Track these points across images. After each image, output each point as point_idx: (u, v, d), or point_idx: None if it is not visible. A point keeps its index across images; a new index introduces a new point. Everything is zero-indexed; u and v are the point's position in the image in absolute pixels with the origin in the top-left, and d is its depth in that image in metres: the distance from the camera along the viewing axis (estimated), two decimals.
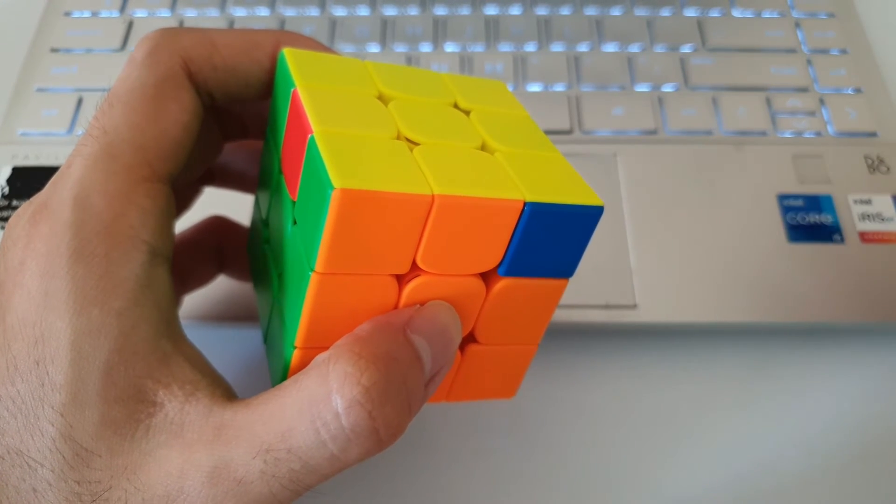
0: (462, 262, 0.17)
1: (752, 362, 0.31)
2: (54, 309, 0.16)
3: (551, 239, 0.17)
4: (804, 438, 0.29)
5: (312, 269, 0.16)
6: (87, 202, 0.17)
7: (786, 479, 0.29)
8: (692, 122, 0.36)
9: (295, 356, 0.18)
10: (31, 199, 0.18)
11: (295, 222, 0.18)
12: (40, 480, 0.16)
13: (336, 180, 0.15)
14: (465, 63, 0.38)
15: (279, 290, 0.20)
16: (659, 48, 0.38)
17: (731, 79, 0.37)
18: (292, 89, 0.18)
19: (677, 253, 0.32)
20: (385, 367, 0.16)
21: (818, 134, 0.35)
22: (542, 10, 0.40)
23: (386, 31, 0.39)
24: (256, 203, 0.24)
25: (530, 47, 0.39)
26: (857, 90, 0.37)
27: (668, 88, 0.37)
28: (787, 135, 0.35)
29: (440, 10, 0.40)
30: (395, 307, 0.18)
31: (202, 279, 0.27)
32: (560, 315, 0.30)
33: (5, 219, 0.32)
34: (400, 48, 0.38)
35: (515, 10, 0.40)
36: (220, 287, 0.28)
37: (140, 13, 0.40)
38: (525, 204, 0.16)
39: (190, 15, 0.40)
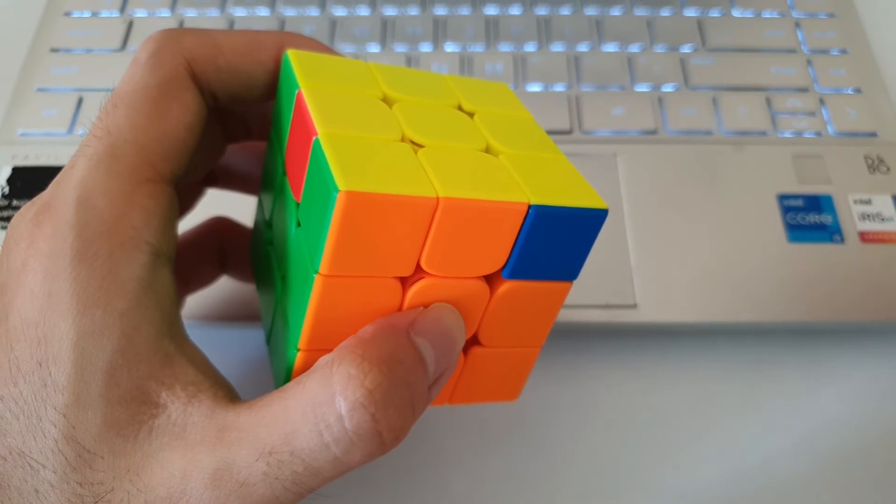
0: (466, 264, 0.17)
1: (752, 362, 0.31)
2: (57, 309, 0.16)
3: (555, 242, 0.17)
4: (804, 438, 0.30)
5: (316, 272, 0.16)
6: (90, 203, 0.17)
7: (786, 479, 0.29)
8: (692, 122, 0.36)
9: (298, 358, 0.18)
10: (34, 199, 0.18)
11: (299, 224, 0.18)
12: (42, 482, 0.16)
13: (341, 182, 0.15)
14: (465, 63, 0.38)
15: (282, 292, 0.20)
16: (659, 48, 0.38)
17: (731, 79, 0.37)
18: (297, 91, 0.18)
19: (677, 253, 0.32)
20: (389, 369, 0.16)
21: (818, 134, 0.35)
22: (542, 10, 0.40)
23: (386, 31, 0.39)
24: (260, 204, 0.24)
25: (530, 47, 0.39)
26: (857, 90, 0.37)
27: (668, 88, 0.37)
28: (787, 135, 0.35)
29: (440, 10, 0.40)
30: (399, 310, 0.18)
31: (205, 280, 0.27)
32: (560, 315, 0.30)
33: (6, 219, 0.32)
34: (400, 48, 0.38)
35: (515, 10, 0.40)
36: (223, 288, 0.28)
37: (140, 13, 0.40)
38: (530, 206, 0.16)
39: (190, 15, 0.40)
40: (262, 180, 0.24)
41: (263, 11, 0.40)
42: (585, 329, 0.31)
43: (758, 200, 0.33)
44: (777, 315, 0.30)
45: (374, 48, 0.39)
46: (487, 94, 0.22)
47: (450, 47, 0.38)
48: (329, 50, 0.22)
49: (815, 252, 0.32)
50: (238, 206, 0.27)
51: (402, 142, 0.17)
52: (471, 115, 0.20)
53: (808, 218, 0.32)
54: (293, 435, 0.16)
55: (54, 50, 0.38)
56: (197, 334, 0.20)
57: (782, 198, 0.33)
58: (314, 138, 0.16)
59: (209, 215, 0.27)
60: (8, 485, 0.16)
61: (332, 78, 0.19)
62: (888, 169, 0.34)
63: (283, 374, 0.19)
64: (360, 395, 0.15)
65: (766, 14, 0.40)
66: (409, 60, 0.38)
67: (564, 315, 0.30)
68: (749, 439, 0.29)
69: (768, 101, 0.36)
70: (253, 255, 0.25)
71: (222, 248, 0.27)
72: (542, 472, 0.29)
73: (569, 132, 0.35)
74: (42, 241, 0.17)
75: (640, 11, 0.40)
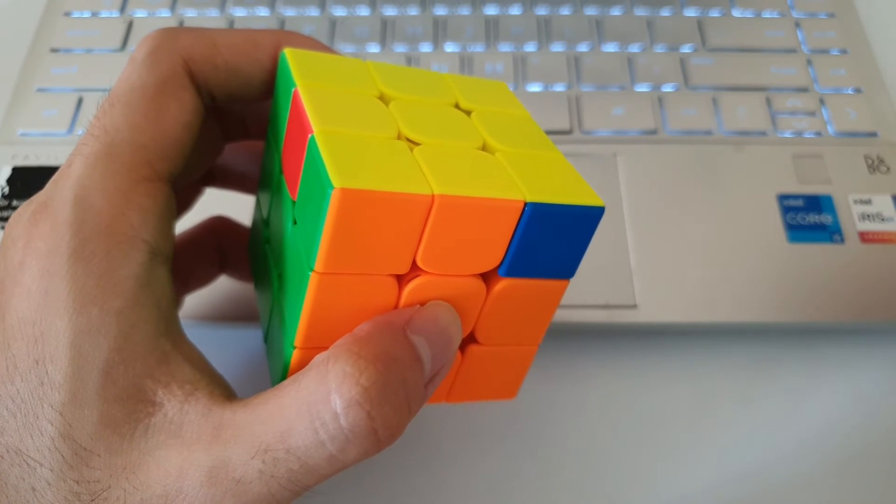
0: (462, 262, 0.17)
1: (752, 362, 0.31)
2: (54, 308, 0.16)
3: (552, 239, 0.17)
4: (804, 438, 0.29)
5: (312, 269, 0.16)
6: (88, 201, 0.17)
7: (786, 479, 0.29)
8: (692, 122, 0.36)
9: (294, 356, 0.18)
10: (32, 198, 0.18)
11: (295, 222, 0.18)
12: (39, 479, 0.16)
13: (336, 180, 0.15)
14: (465, 63, 0.38)
15: (279, 290, 0.20)
16: (659, 48, 0.38)
17: (731, 79, 0.37)
18: (293, 89, 0.18)
19: (677, 253, 0.32)
20: (384, 367, 0.16)
21: (818, 134, 0.35)
22: (542, 10, 0.40)
23: (386, 31, 0.39)
24: (258, 203, 0.24)
25: (530, 47, 0.39)
26: (857, 90, 0.37)
27: (668, 88, 0.37)
28: (787, 135, 0.35)
29: (440, 10, 0.40)
30: (396, 307, 0.18)
31: (204, 279, 0.27)
32: (560, 315, 0.30)
33: (5, 219, 0.32)
34: (400, 48, 0.38)
35: (515, 10, 0.40)
36: (221, 287, 0.28)
37: (140, 13, 0.40)
38: (525, 204, 0.16)
39: (190, 15, 0.40)
40: (259, 179, 0.24)
41: (263, 11, 0.40)
42: (585, 329, 0.31)
43: (758, 200, 0.33)
44: (777, 315, 0.30)
45: (374, 48, 0.39)
46: (485, 93, 0.22)
47: (450, 47, 0.38)
48: (327, 49, 0.22)
49: (815, 252, 0.32)
50: (236, 206, 0.27)
51: (399, 140, 0.17)
52: (468, 113, 0.20)
53: (808, 218, 0.32)
54: (289, 432, 0.15)
55: (54, 50, 0.38)
56: (196, 334, 0.20)
57: (782, 198, 0.33)
58: (310, 136, 0.16)
59: (207, 215, 0.27)
60: (5, 483, 0.16)
61: (329, 76, 0.19)
62: (888, 169, 0.34)
63: (279, 372, 0.19)
64: (356, 393, 0.15)
65: (766, 14, 0.40)
66: (409, 60, 0.38)
67: (564, 315, 0.30)
68: (749, 439, 0.29)
69: (768, 101, 0.36)
70: (251, 254, 0.25)
71: (221, 248, 0.27)
72: (541, 471, 0.29)
73: (569, 132, 0.35)
74: (39, 239, 0.17)
75: (640, 11, 0.40)
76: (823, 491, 0.28)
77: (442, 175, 0.16)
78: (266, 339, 0.22)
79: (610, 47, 0.38)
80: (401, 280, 0.17)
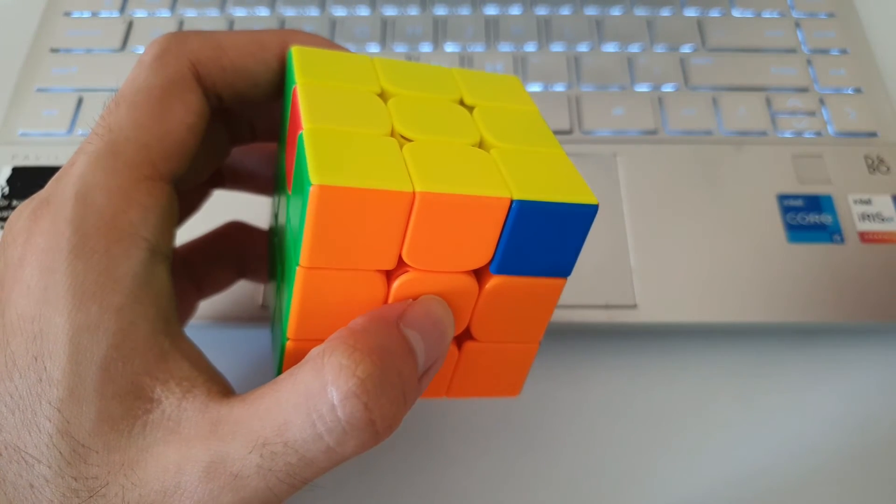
0: (450, 259, 0.17)
1: (752, 362, 0.31)
2: (53, 304, 0.16)
3: (543, 237, 0.17)
4: (804, 438, 0.29)
5: (297, 264, 0.16)
6: (89, 199, 0.17)
7: (785, 479, 0.28)
8: (692, 122, 0.36)
9: (288, 347, 0.18)
10: (34, 195, 0.18)
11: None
12: (37, 476, 0.16)
13: (314, 176, 0.15)
14: (465, 63, 0.38)
15: (282, 284, 0.20)
16: (659, 48, 0.38)
17: (731, 79, 0.37)
18: (293, 87, 0.18)
19: (677, 253, 0.32)
20: (380, 359, 0.16)
21: (818, 134, 0.35)
22: (542, 10, 0.40)
23: (386, 31, 0.39)
24: (273, 202, 0.24)
25: (530, 47, 0.39)
26: (857, 90, 0.37)
27: (668, 88, 0.37)
28: (787, 135, 0.35)
29: (440, 10, 0.40)
30: (385, 302, 0.18)
31: (220, 285, 0.27)
32: (560, 315, 0.30)
33: (6, 219, 0.32)
34: (400, 48, 0.38)
35: (515, 10, 0.40)
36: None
37: (140, 13, 0.40)
38: (512, 201, 0.16)
39: (190, 15, 0.40)
40: (274, 180, 0.24)
41: (263, 11, 0.40)
42: (585, 329, 0.31)
43: (758, 200, 0.33)
44: (777, 315, 0.30)
45: (373, 48, 0.39)
46: (494, 88, 0.22)
47: (450, 47, 0.39)
48: (334, 45, 0.22)
49: (815, 252, 0.32)
50: (253, 209, 0.27)
51: (391, 137, 0.18)
52: (471, 109, 0.20)
53: (808, 218, 0.32)
54: (286, 426, 0.16)
55: (54, 50, 0.38)
56: (199, 334, 0.20)
57: (782, 198, 0.33)
58: (299, 133, 0.17)
59: (221, 218, 0.27)
60: (3, 479, 0.16)
61: (331, 73, 0.19)
62: (888, 169, 0.34)
63: (277, 363, 0.19)
64: (352, 385, 0.15)
65: (766, 14, 0.40)
66: (410, 60, 0.38)
67: (564, 315, 0.30)
68: (749, 439, 0.29)
69: (768, 101, 0.36)
70: (269, 252, 0.25)
71: (240, 253, 0.27)
72: (540, 471, 0.29)
73: (569, 132, 0.35)
74: (39, 236, 0.17)
75: (640, 11, 0.40)
76: (824, 491, 0.28)
77: (426, 172, 0.16)
78: (272, 332, 0.22)
79: (610, 47, 0.38)
80: (389, 275, 0.17)
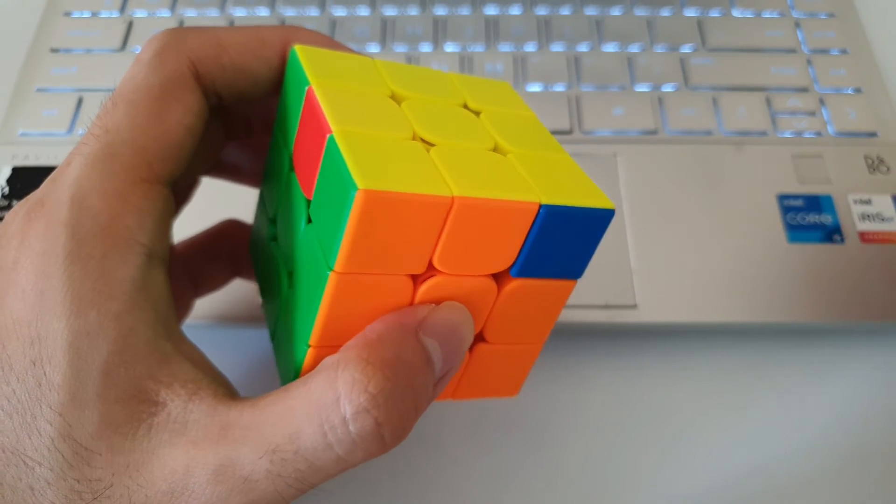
0: (477, 262, 0.17)
1: (752, 362, 0.31)
2: (50, 309, 0.16)
3: (563, 241, 0.18)
4: (803, 438, 0.29)
5: (331, 269, 0.16)
6: (85, 202, 0.17)
7: (785, 479, 0.29)
8: (692, 122, 0.36)
9: (309, 355, 0.18)
10: (28, 196, 0.18)
11: (310, 221, 0.18)
12: (38, 479, 0.16)
13: (360, 181, 0.15)
14: (465, 63, 0.38)
15: (290, 289, 0.20)
16: (659, 48, 0.38)
17: (731, 79, 0.37)
18: (307, 87, 0.18)
19: (677, 253, 0.32)
20: (393, 372, 0.16)
21: (818, 134, 0.35)
22: (542, 10, 0.40)
23: (386, 31, 0.39)
24: (261, 201, 0.24)
25: (530, 47, 0.39)
26: (857, 90, 0.37)
27: (668, 88, 0.37)
28: (787, 135, 0.35)
29: (440, 10, 0.40)
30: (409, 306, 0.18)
31: (216, 283, 0.27)
32: (560, 315, 0.30)
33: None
34: (400, 48, 0.38)
35: (515, 10, 0.40)
36: (226, 288, 0.28)
37: (140, 13, 0.40)
38: (540, 206, 0.17)
39: (190, 15, 0.40)
40: (264, 176, 0.23)
41: (263, 11, 0.40)
42: (585, 329, 0.31)
43: (758, 200, 0.33)
44: (777, 315, 0.30)
45: (373, 48, 0.39)
46: (491, 93, 0.22)
47: (450, 47, 0.38)
48: (335, 43, 0.22)
49: (815, 252, 0.32)
50: (243, 204, 0.27)
51: (414, 140, 0.17)
52: (476, 113, 0.20)
53: (808, 218, 0.32)
54: (297, 434, 0.16)
55: (54, 50, 0.38)
56: (200, 335, 0.20)
57: (782, 198, 0.33)
58: (328, 136, 0.16)
59: (214, 212, 0.27)
60: (1, 482, 0.16)
61: (341, 74, 0.19)
62: (888, 169, 0.34)
63: (291, 371, 0.19)
64: (364, 400, 0.15)
65: (766, 14, 0.40)
66: (409, 60, 0.38)
67: (564, 315, 0.30)
68: (749, 439, 0.29)
69: (768, 101, 0.36)
70: (253, 251, 0.25)
71: (235, 252, 0.27)
72: (540, 471, 0.29)
73: (569, 132, 0.35)
74: (34, 239, 0.17)
75: (640, 11, 0.40)
76: (823, 490, 0.28)
77: (460, 176, 0.16)
78: (273, 337, 0.22)
79: (610, 47, 0.38)
80: (416, 280, 0.17)
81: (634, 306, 0.30)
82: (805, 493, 0.28)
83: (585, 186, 0.18)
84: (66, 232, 0.17)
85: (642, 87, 0.37)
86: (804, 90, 0.37)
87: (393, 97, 0.19)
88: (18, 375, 0.16)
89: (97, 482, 0.16)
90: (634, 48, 0.38)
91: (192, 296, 0.26)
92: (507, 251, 0.17)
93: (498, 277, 0.18)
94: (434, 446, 0.29)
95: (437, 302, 0.18)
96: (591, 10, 0.40)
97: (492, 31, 0.39)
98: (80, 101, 0.36)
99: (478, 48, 0.38)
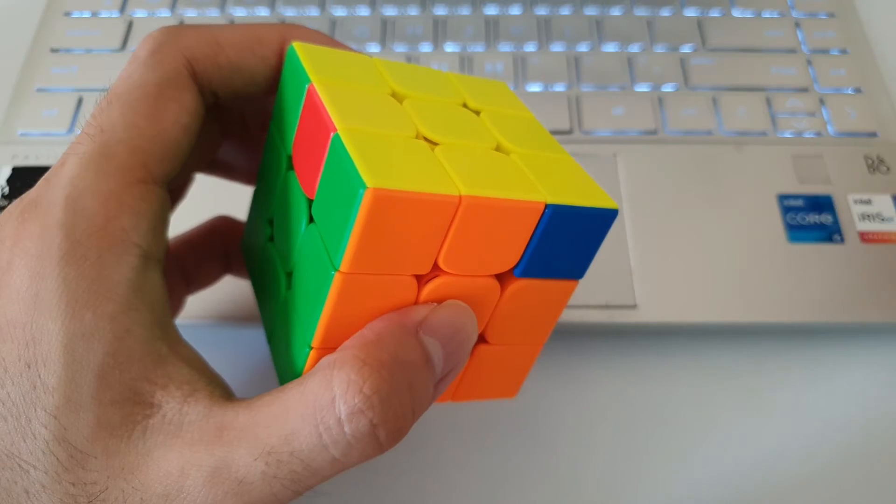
0: (481, 263, 0.17)
1: (752, 362, 0.31)
2: (45, 311, 0.16)
3: (567, 241, 0.18)
4: (804, 438, 0.29)
5: (336, 269, 0.16)
6: (80, 203, 0.17)
7: (785, 479, 0.28)
8: (692, 122, 0.36)
9: (311, 356, 0.18)
10: (22, 196, 0.18)
11: (311, 220, 0.18)
12: (33, 482, 0.16)
13: (368, 180, 0.14)
14: (465, 63, 0.38)
15: (288, 289, 0.20)
16: (659, 48, 0.38)
17: (731, 79, 0.37)
18: (307, 85, 0.18)
19: (677, 253, 0.32)
20: (389, 374, 0.16)
21: (818, 134, 0.35)
22: (542, 10, 0.40)
23: (386, 31, 0.39)
24: (255, 200, 0.24)
25: (530, 47, 0.38)
26: (857, 90, 0.37)
27: (668, 88, 0.37)
28: (787, 135, 0.35)
29: (440, 10, 0.40)
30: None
31: (207, 280, 0.26)
32: (560, 315, 0.30)
33: None
34: (400, 48, 0.38)
35: (515, 10, 0.40)
36: (223, 287, 0.28)
37: (140, 13, 0.40)
38: (546, 205, 0.16)
39: (190, 15, 0.40)
40: (259, 176, 0.23)
41: (263, 11, 0.40)
42: (585, 329, 0.31)
43: (758, 200, 0.33)
44: (777, 315, 0.30)
45: (373, 48, 0.38)
46: (489, 93, 0.22)
47: (450, 47, 0.38)
48: (333, 41, 0.21)
49: (815, 252, 0.31)
50: (230, 199, 0.27)
51: (418, 139, 0.17)
52: (476, 113, 0.20)
53: (808, 218, 0.32)
54: (293, 436, 0.16)
55: (54, 50, 0.38)
56: (197, 334, 0.20)
57: (782, 198, 0.33)
58: (333, 134, 0.16)
59: (207, 210, 0.27)
60: None
61: (341, 73, 0.19)
62: (888, 169, 0.34)
63: (290, 372, 0.19)
64: (360, 401, 0.15)
65: (766, 14, 0.40)
66: (409, 60, 0.38)
67: (564, 315, 0.30)
68: (749, 439, 0.29)
69: (768, 101, 0.36)
70: (247, 251, 0.25)
71: (226, 248, 0.26)
72: (540, 471, 0.29)
73: (569, 132, 0.35)
74: (28, 240, 0.17)
75: (640, 11, 0.40)
76: (824, 490, 0.28)
77: (466, 176, 0.16)
78: (270, 338, 0.22)
79: (610, 47, 0.38)
80: (420, 280, 0.17)
81: (634, 306, 0.30)
82: (805, 493, 0.28)
83: (588, 186, 0.18)
84: (60, 233, 0.16)
85: (642, 87, 0.37)
86: (804, 90, 0.37)
87: (394, 96, 0.19)
88: (13, 378, 0.16)
89: (92, 485, 0.15)
90: (634, 48, 0.38)
91: (184, 293, 0.26)
92: (512, 251, 0.17)
93: (501, 278, 0.18)
94: (433, 446, 0.29)
95: (441, 302, 0.18)
96: (591, 10, 0.40)
97: (492, 31, 0.39)
98: (80, 101, 0.36)
99: (478, 48, 0.38)
